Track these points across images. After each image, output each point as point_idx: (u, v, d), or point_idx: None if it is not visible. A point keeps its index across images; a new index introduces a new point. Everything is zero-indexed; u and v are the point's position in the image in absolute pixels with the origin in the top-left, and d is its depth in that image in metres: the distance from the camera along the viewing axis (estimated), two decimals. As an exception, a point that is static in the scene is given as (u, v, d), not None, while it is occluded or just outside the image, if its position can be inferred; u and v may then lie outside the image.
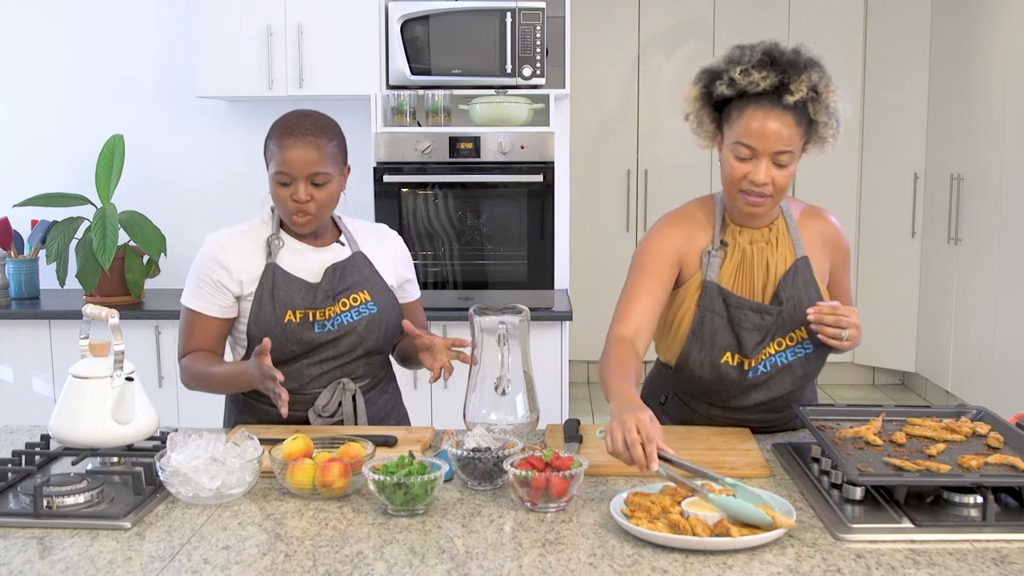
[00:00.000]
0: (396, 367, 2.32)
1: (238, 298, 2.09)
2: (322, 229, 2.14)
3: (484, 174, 3.79)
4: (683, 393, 2.12)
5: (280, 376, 1.86)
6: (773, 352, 1.98)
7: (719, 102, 1.92)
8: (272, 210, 2.14)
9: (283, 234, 2.11)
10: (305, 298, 2.06)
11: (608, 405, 1.77)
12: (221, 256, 2.08)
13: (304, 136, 2.00)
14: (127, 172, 4.06)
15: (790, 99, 1.82)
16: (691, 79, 1.97)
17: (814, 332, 1.87)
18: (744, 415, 2.05)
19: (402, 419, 2.30)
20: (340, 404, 2.12)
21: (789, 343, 1.98)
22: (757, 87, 1.83)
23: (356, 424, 2.13)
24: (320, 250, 2.13)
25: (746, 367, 1.98)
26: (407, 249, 2.30)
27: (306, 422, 2.11)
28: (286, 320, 2.05)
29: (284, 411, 1.86)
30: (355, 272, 2.13)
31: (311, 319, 2.06)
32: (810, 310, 1.85)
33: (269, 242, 2.09)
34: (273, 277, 2.06)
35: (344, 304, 2.10)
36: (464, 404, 2.02)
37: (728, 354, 1.98)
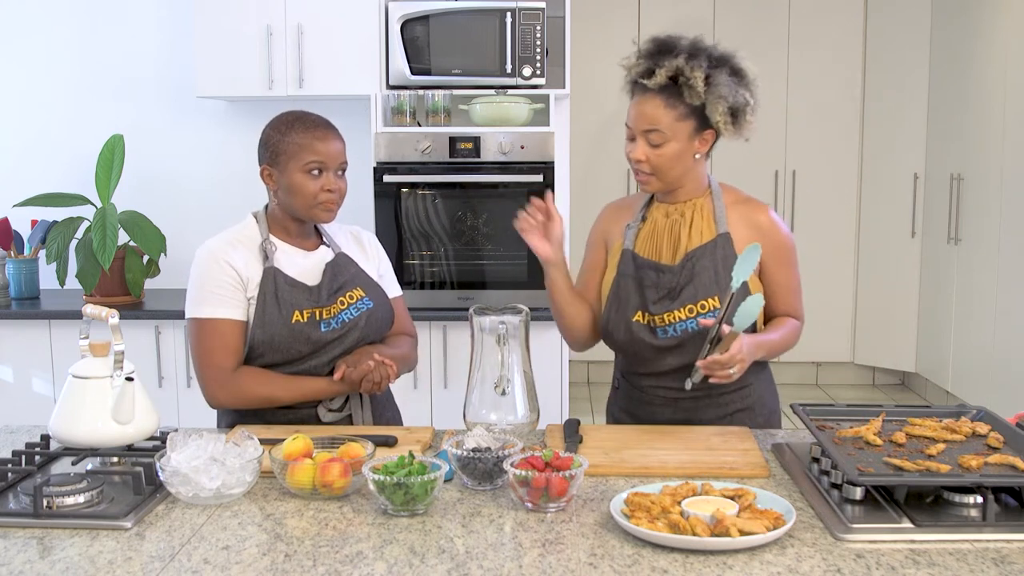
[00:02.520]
0: None
1: (248, 299, 2.09)
2: (308, 232, 2.17)
3: (484, 174, 3.80)
4: (627, 371, 2.22)
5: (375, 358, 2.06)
6: (684, 317, 2.04)
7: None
8: (255, 216, 2.16)
9: (273, 238, 2.13)
10: (310, 298, 2.08)
11: None
12: (226, 257, 2.07)
13: (329, 128, 2.10)
14: (127, 172, 4.06)
15: (650, 83, 2.00)
16: None
17: (728, 307, 1.94)
18: (668, 381, 2.10)
19: (395, 413, 2.33)
20: (348, 398, 2.15)
21: (700, 310, 2.03)
22: (629, 74, 2.06)
23: (363, 417, 2.17)
24: (310, 253, 2.15)
25: (654, 326, 2.07)
26: (381, 247, 2.33)
27: (314, 420, 2.12)
28: (294, 321, 2.06)
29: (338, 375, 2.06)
30: (345, 271, 2.16)
31: (317, 318, 2.08)
32: (699, 363, 1.90)
33: (263, 247, 2.10)
34: (275, 280, 2.07)
35: (343, 302, 2.12)
36: (464, 404, 2.02)
37: (639, 313, 2.09)
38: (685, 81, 1.98)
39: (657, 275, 2.08)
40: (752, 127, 2.07)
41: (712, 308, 2.02)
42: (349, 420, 2.16)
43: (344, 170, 2.12)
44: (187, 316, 2.10)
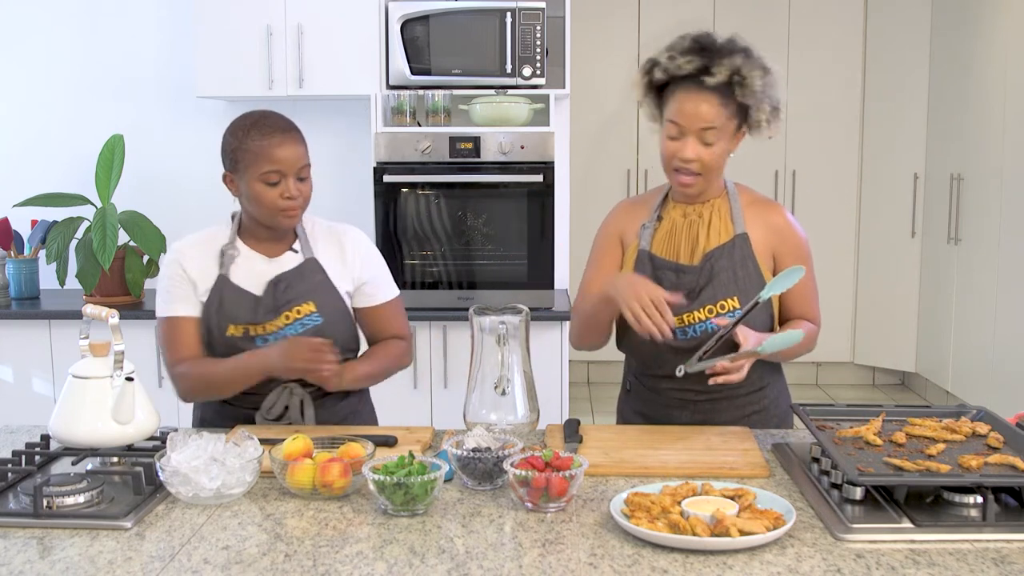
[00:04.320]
0: None
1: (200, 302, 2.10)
2: (279, 235, 2.12)
3: (484, 174, 3.79)
4: (641, 373, 2.19)
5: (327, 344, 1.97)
6: (704, 318, 2.03)
7: (660, 88, 2.06)
8: (232, 217, 2.15)
9: (239, 243, 2.11)
10: (247, 313, 2.06)
11: (603, 301, 2.02)
12: (182, 261, 2.10)
13: (286, 132, 2.04)
14: (127, 172, 4.06)
15: (711, 81, 1.96)
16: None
17: (744, 302, 1.95)
18: (687, 383, 2.05)
19: (359, 410, 2.24)
20: (287, 408, 2.09)
21: (720, 310, 2.02)
22: (681, 71, 1.99)
23: (304, 419, 2.11)
24: (271, 261, 2.11)
25: (674, 327, 2.00)
26: (372, 248, 2.22)
27: (252, 422, 2.10)
28: (228, 334, 2.06)
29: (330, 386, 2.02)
30: (302, 282, 2.09)
31: (252, 334, 2.07)
32: (714, 382, 1.92)
33: (223, 251, 2.09)
34: (222, 290, 2.07)
35: (287, 317, 2.07)
36: (464, 404, 2.02)
37: None
38: (740, 80, 1.96)
39: (677, 276, 2.06)
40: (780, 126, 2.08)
41: (731, 308, 2.01)
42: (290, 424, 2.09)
43: (306, 173, 2.05)
44: (157, 316, 2.14)
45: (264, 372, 2.02)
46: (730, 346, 1.93)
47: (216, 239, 2.13)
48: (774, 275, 2.08)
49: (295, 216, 2.06)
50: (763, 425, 2.12)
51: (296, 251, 2.13)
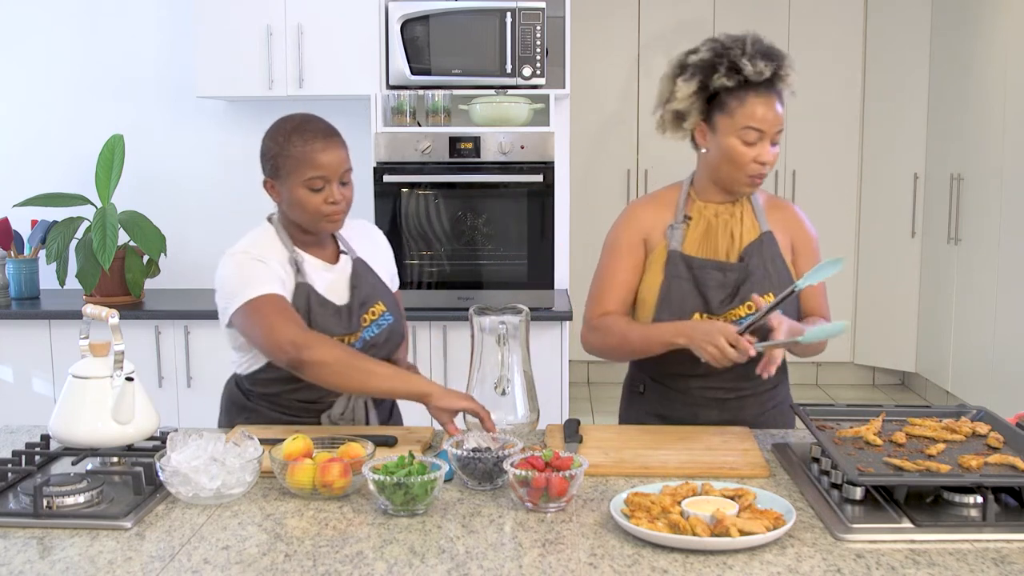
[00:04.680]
0: None
1: None
2: (323, 240, 2.11)
3: (484, 174, 3.80)
4: (660, 374, 2.16)
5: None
6: (743, 314, 2.03)
7: (708, 91, 2.04)
8: (271, 222, 2.10)
9: (298, 249, 2.07)
10: (340, 324, 2.03)
11: (658, 341, 2.01)
12: (260, 258, 2.01)
13: (328, 137, 2.00)
14: (127, 172, 4.06)
15: (781, 86, 2.02)
16: (675, 75, 2.08)
17: (783, 299, 1.95)
18: (719, 381, 2.08)
19: (398, 417, 2.29)
20: (353, 410, 2.11)
21: (756, 307, 2.01)
22: (762, 76, 1.98)
23: (367, 420, 2.13)
24: (333, 267, 2.10)
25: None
26: (387, 241, 2.30)
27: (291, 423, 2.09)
28: None
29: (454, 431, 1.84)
30: (366, 283, 2.11)
31: (345, 343, 2.03)
32: (766, 375, 1.92)
33: (292, 259, 2.04)
34: (308, 299, 2.02)
35: (365, 320, 2.08)
36: (464, 404, 2.02)
37: (696, 315, 2.06)
38: (787, 86, 2.04)
39: (724, 274, 2.06)
40: None
41: (765, 304, 2.02)
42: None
43: (348, 178, 2.03)
44: (232, 311, 1.97)
45: (421, 397, 1.88)
46: (763, 334, 1.94)
47: (272, 246, 2.05)
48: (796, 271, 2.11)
49: (339, 221, 2.04)
50: (780, 421, 2.13)
51: (345, 253, 2.14)
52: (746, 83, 1.99)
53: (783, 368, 2.16)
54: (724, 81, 1.99)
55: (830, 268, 1.92)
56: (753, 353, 1.87)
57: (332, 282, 2.08)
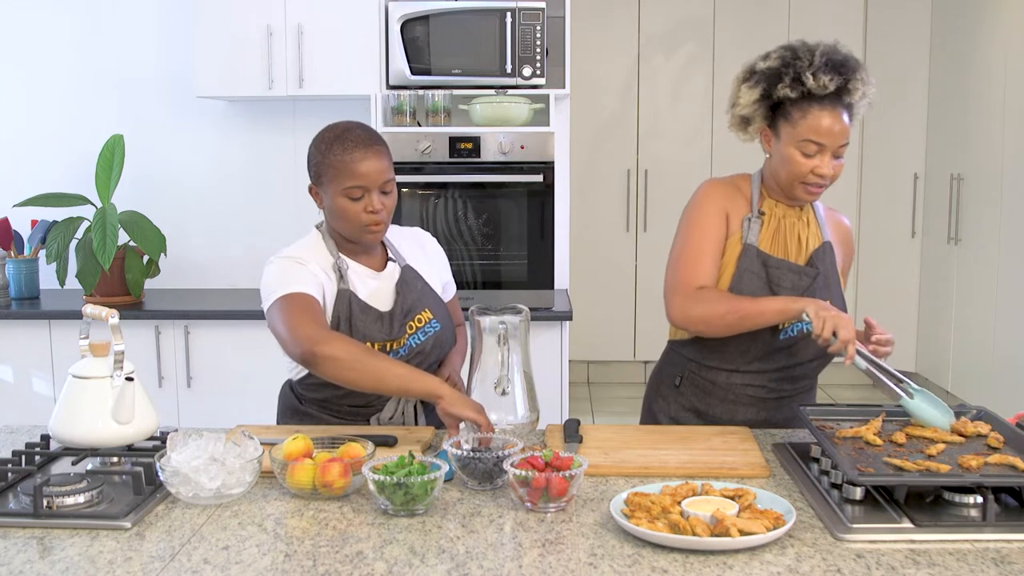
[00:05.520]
0: None
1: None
2: (373, 247, 2.10)
3: (484, 174, 3.79)
4: (701, 366, 2.15)
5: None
6: (804, 318, 2.00)
7: (772, 100, 2.05)
8: (319, 230, 2.10)
9: (344, 257, 2.07)
10: (382, 330, 2.02)
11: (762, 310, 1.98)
12: (306, 264, 2.01)
13: (371, 146, 1.98)
14: (127, 172, 4.05)
15: (849, 99, 2.01)
16: (742, 80, 2.09)
17: (841, 306, 1.98)
18: (764, 380, 2.11)
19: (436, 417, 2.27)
20: (403, 413, 2.13)
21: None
22: (826, 90, 1.98)
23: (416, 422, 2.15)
24: (379, 275, 2.09)
25: (779, 327, 2.06)
26: (441, 249, 2.28)
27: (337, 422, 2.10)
28: None
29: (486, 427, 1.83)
30: (412, 290, 2.10)
31: (387, 350, 2.02)
32: (853, 364, 1.92)
33: (337, 266, 2.04)
34: (349, 305, 2.01)
35: (411, 327, 2.07)
36: (464, 404, 2.02)
37: None
38: (863, 98, 2.03)
39: (799, 277, 2.08)
40: None
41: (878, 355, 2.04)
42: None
43: (390, 188, 2.01)
44: (266, 310, 1.99)
45: (431, 396, 1.88)
46: (815, 347, 1.97)
47: (318, 253, 2.05)
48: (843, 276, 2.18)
49: (379, 231, 2.02)
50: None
51: (393, 260, 2.13)
52: (809, 95, 1.99)
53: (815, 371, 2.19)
54: (787, 92, 2.00)
55: (945, 419, 1.88)
56: (854, 357, 1.88)
57: (376, 289, 2.07)
